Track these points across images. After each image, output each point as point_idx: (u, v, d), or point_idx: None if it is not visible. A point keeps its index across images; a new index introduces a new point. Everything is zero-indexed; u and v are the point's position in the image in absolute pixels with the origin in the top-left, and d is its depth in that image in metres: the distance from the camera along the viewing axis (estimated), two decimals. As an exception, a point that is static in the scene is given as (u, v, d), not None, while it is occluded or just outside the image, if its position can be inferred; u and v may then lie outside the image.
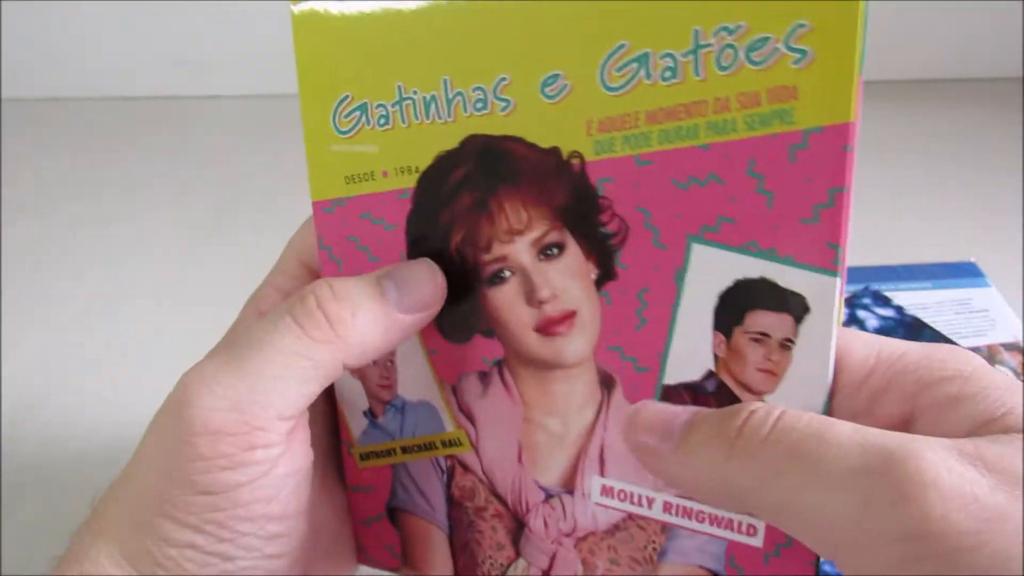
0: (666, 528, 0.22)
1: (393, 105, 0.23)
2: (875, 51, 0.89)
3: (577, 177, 0.21)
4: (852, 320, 0.47)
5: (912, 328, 0.46)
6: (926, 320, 0.47)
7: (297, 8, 0.23)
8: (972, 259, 0.53)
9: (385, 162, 0.23)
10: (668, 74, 0.19)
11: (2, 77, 0.76)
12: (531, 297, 0.23)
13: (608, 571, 0.23)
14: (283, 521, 0.22)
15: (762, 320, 0.20)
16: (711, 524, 0.22)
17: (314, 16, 0.23)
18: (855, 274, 0.51)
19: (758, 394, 0.21)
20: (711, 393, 0.21)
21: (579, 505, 0.23)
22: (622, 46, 0.20)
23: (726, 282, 0.20)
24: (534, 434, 0.24)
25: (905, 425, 0.19)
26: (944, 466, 0.16)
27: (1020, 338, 0.47)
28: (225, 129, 0.73)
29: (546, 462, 0.24)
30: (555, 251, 0.22)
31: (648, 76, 0.20)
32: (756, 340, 0.20)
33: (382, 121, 0.23)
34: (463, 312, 0.24)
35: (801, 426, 0.18)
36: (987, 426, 0.17)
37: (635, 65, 0.20)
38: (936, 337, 0.45)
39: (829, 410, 0.20)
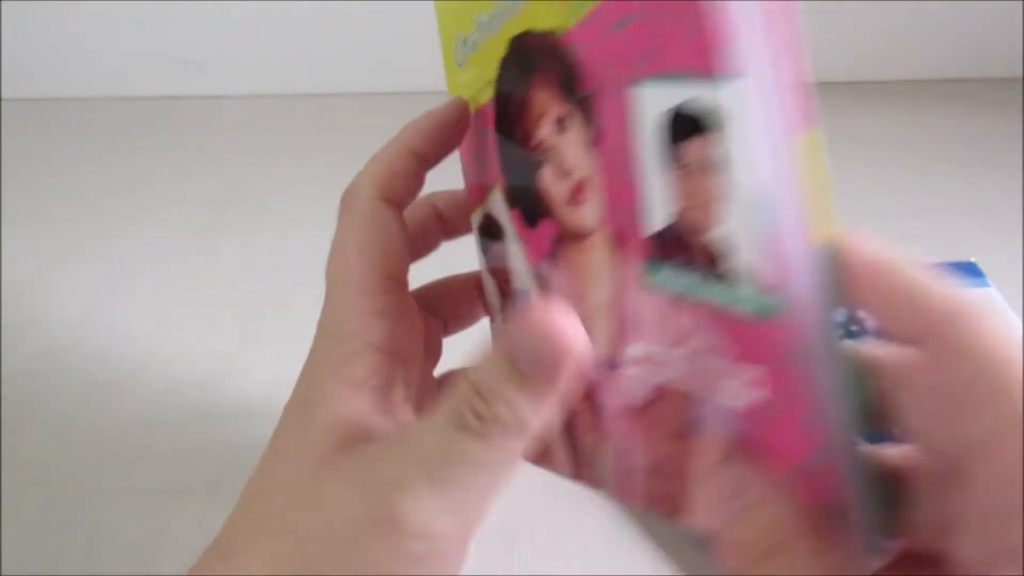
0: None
1: (475, 33, 0.26)
2: (875, 51, 0.88)
3: (564, 49, 0.22)
4: (852, 319, 0.47)
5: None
6: (926, 320, 0.47)
7: None
8: (972, 259, 0.53)
9: (479, 80, 0.27)
10: None
11: (2, 77, 0.76)
12: (560, 171, 0.24)
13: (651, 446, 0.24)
14: None
15: (687, 149, 0.19)
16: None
17: None
18: (855, 274, 0.51)
19: (704, 231, 0.20)
20: (676, 239, 0.20)
21: (619, 379, 0.24)
22: None
23: (659, 118, 0.20)
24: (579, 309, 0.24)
25: None
26: None
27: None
28: (225, 129, 0.73)
29: (595, 336, 0.24)
30: (566, 124, 0.23)
31: None
32: (688, 173, 0.19)
33: (472, 48, 0.27)
34: (531, 198, 0.26)
35: None
36: None
37: None
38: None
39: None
